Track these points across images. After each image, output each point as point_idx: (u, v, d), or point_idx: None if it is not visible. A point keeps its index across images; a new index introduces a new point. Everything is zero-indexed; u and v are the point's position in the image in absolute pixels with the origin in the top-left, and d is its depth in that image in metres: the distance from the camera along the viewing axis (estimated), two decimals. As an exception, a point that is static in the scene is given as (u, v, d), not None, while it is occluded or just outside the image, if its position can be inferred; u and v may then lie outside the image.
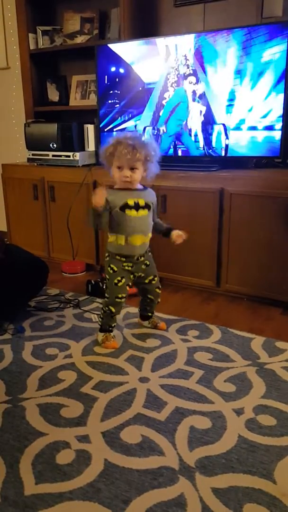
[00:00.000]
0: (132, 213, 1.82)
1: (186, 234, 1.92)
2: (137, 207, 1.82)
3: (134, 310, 2.26)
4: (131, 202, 1.81)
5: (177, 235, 1.92)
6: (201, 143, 2.52)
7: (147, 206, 1.85)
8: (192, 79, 2.46)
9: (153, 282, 2.00)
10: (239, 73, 2.31)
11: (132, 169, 1.77)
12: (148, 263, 1.96)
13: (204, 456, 1.31)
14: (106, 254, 1.93)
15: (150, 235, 1.91)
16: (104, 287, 1.99)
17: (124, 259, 1.89)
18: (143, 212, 1.84)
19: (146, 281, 1.98)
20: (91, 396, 1.60)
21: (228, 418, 1.47)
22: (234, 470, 1.26)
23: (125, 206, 1.81)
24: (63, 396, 1.60)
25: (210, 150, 2.50)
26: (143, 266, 1.95)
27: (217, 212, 2.37)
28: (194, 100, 2.48)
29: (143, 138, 1.81)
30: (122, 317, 2.21)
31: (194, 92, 2.47)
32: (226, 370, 1.76)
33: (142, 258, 1.92)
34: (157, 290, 2.03)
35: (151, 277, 1.98)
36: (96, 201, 1.71)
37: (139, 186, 1.88)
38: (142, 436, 1.40)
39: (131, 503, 1.15)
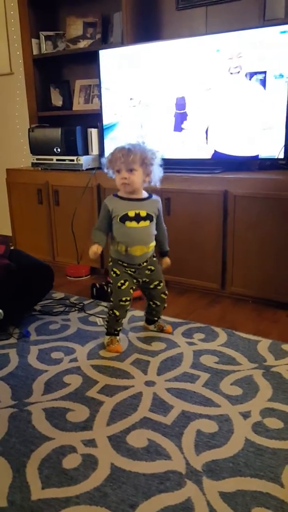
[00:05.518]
0: (133, 224, 1.82)
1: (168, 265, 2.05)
2: (138, 218, 1.82)
3: (139, 313, 2.25)
4: (131, 214, 1.82)
5: (165, 263, 2.04)
6: (205, 145, 2.52)
7: (148, 217, 1.85)
8: (196, 81, 2.46)
9: (159, 287, 1.99)
10: (243, 74, 2.31)
11: (131, 171, 1.77)
12: (152, 268, 1.95)
13: (211, 460, 1.30)
14: (109, 259, 1.94)
15: (152, 244, 1.91)
16: (108, 290, 1.99)
17: (126, 264, 1.89)
18: (144, 224, 1.84)
19: (151, 286, 1.98)
20: (97, 400, 1.60)
21: (235, 422, 1.47)
22: (241, 473, 1.25)
23: (126, 218, 1.82)
24: (69, 400, 1.60)
25: (214, 152, 2.50)
26: (147, 272, 1.94)
27: (222, 214, 2.36)
28: (197, 102, 2.48)
29: (140, 143, 1.81)
30: (127, 321, 2.21)
31: (198, 95, 2.47)
32: (232, 373, 1.75)
33: (145, 264, 1.92)
34: (163, 295, 2.02)
35: (156, 282, 1.98)
36: (92, 257, 1.88)
37: (144, 194, 1.88)
38: (148, 440, 1.39)
39: (138, 507, 1.15)
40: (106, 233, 1.91)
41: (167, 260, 2.04)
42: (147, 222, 1.85)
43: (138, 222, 1.83)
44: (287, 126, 2.26)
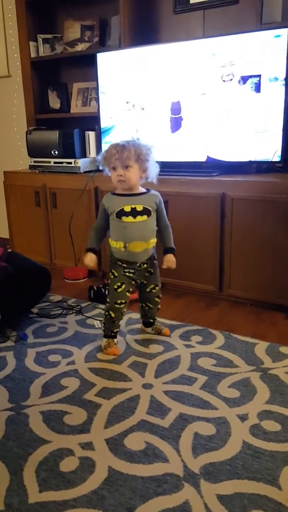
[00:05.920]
0: (129, 219, 1.81)
1: (174, 265, 1.95)
2: (134, 213, 1.81)
3: (137, 316, 2.25)
4: (127, 208, 1.80)
5: (168, 261, 1.93)
6: (203, 148, 2.52)
7: (146, 212, 1.82)
8: (191, 86, 2.47)
9: (154, 291, 1.98)
10: (235, 81, 2.32)
11: (126, 167, 1.76)
12: (152, 271, 1.94)
13: (208, 463, 1.30)
14: (110, 258, 1.93)
15: (153, 240, 1.88)
16: (106, 292, 1.99)
17: (126, 265, 1.88)
18: (141, 218, 1.82)
19: (147, 289, 1.97)
20: (95, 403, 1.59)
21: (233, 424, 1.47)
22: (239, 476, 1.25)
23: (121, 213, 1.81)
24: (66, 403, 1.60)
25: (211, 156, 2.51)
26: (146, 274, 1.93)
27: (219, 216, 2.37)
28: (192, 107, 2.49)
29: (135, 139, 1.80)
30: (124, 323, 2.21)
31: (193, 99, 2.48)
32: (230, 376, 1.75)
33: (145, 266, 1.90)
34: (156, 299, 2.01)
35: (152, 286, 1.97)
36: (88, 266, 1.91)
37: (142, 190, 1.87)
38: (146, 442, 1.39)
39: (135, 510, 1.15)
40: (102, 234, 1.91)
41: (170, 258, 1.92)
42: (145, 217, 1.82)
43: (134, 217, 1.80)
44: (284, 129, 2.28)
